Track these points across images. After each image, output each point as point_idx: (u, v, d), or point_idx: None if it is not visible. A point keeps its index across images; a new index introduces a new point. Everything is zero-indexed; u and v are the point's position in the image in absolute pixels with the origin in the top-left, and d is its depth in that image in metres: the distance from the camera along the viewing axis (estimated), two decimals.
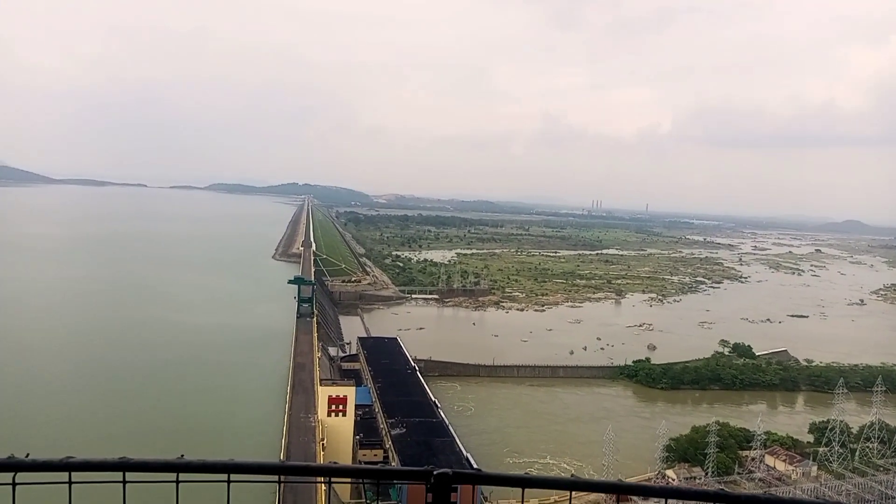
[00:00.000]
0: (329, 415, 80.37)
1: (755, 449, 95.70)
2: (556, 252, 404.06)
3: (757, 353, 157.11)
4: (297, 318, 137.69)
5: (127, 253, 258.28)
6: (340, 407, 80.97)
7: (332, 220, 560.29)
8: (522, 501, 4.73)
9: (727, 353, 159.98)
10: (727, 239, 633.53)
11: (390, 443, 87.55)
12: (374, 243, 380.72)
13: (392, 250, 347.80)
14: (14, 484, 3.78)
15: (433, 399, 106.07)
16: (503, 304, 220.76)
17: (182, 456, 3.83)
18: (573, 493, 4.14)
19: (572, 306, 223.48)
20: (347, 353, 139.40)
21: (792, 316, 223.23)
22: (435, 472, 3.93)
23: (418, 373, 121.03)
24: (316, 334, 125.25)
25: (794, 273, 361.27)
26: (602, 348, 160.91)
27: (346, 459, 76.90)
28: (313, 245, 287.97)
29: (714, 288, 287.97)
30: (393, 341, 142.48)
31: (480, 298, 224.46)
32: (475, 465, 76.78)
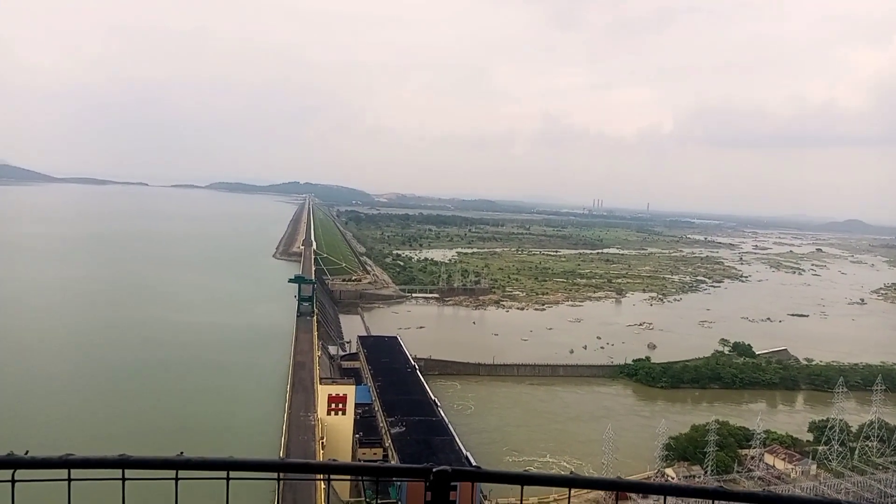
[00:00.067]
0: (329, 413, 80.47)
1: (755, 448, 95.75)
2: (556, 251, 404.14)
3: (757, 352, 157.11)
4: (298, 316, 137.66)
5: (127, 252, 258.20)
6: (340, 405, 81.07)
7: (332, 219, 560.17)
8: (521, 499, 4.74)
9: (727, 352, 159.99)
10: (728, 238, 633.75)
11: (390, 441, 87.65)
12: (374, 242, 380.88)
13: (393, 249, 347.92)
14: (13, 481, 3.79)
15: (433, 398, 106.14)
16: (503, 302, 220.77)
17: (181, 453, 3.84)
18: (572, 490, 4.14)
19: (572, 305, 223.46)
20: (347, 352, 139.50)
21: (792, 315, 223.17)
22: (434, 470, 3.94)
23: (418, 371, 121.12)
24: (316, 333, 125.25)
25: (794, 272, 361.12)
26: (602, 347, 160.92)
27: (345, 458, 76.93)
28: (314, 244, 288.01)
29: (714, 287, 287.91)
30: (393, 340, 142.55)
31: (481, 297, 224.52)
32: (475, 464, 76.82)
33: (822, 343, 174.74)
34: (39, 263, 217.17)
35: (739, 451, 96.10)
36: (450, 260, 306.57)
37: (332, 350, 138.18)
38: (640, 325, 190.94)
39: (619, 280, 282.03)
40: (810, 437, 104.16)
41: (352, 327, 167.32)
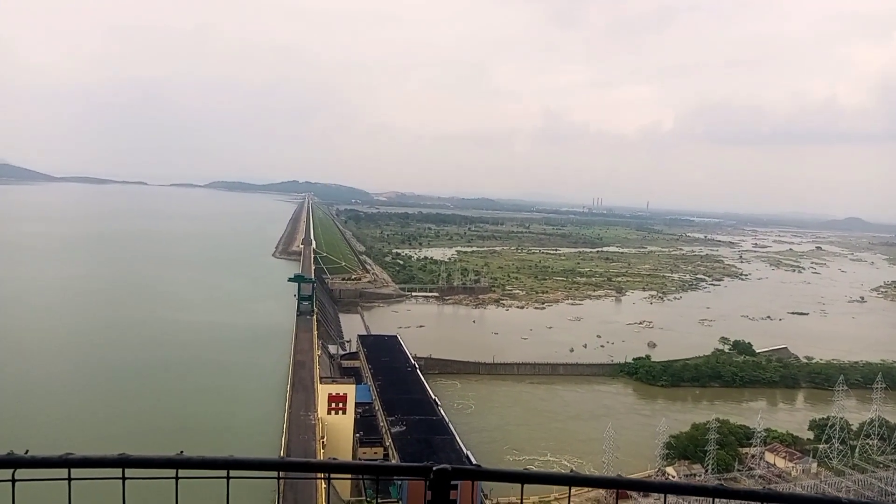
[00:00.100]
0: (329, 413, 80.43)
1: (755, 446, 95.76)
2: (556, 250, 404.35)
3: (757, 351, 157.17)
4: (297, 316, 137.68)
5: (127, 251, 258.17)
6: (340, 405, 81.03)
7: (332, 217, 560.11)
8: (522, 497, 4.74)
9: (727, 351, 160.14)
10: (728, 236, 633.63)
11: (390, 440, 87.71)
12: (374, 241, 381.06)
13: (392, 248, 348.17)
14: (14, 480, 3.79)
15: (433, 397, 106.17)
16: (503, 301, 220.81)
17: (181, 453, 3.84)
18: (572, 488, 4.14)
19: (572, 304, 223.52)
20: (347, 351, 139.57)
21: (792, 313, 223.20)
22: (434, 468, 3.94)
23: (418, 370, 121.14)
24: (316, 332, 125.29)
25: (794, 270, 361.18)
26: (602, 346, 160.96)
27: (345, 457, 76.96)
28: (313, 243, 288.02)
29: (714, 285, 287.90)
30: (393, 339, 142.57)
31: (481, 296, 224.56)
32: (475, 463, 76.86)
33: (823, 341, 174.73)
34: (39, 263, 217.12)
35: (740, 449, 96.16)
36: (449, 259, 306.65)
37: (332, 349, 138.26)
38: (640, 323, 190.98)
39: (619, 278, 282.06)
40: (811, 435, 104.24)
41: (352, 326, 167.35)
